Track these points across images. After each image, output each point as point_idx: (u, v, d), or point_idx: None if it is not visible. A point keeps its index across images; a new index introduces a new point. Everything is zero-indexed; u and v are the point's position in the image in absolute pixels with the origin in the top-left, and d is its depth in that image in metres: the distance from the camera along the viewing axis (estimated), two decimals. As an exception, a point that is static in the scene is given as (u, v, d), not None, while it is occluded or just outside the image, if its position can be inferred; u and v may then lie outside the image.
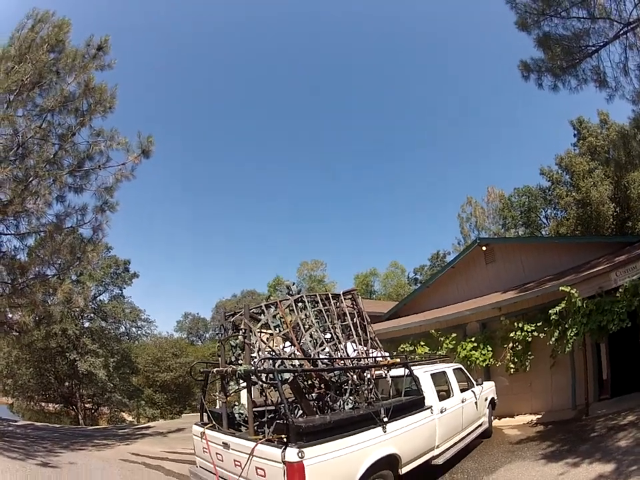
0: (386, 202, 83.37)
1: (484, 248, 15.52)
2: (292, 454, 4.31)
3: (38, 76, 11.22)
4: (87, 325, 29.05)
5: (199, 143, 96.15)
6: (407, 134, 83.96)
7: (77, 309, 22.55)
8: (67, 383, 29.19)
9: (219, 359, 6.60)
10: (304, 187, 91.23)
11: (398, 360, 7.18)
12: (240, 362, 6.17)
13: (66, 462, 9.59)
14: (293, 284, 7.14)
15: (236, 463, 5.09)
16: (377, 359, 7.03)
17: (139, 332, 35.94)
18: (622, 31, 10.44)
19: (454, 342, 12.99)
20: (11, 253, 12.40)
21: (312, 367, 5.99)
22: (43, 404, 30.13)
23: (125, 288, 33.83)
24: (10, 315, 12.22)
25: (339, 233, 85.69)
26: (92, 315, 29.35)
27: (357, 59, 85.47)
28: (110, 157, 12.95)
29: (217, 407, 6.37)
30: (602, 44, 10.77)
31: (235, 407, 6.50)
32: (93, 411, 31.18)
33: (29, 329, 12.12)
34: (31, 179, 11.45)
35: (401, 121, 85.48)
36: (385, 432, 5.52)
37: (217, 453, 5.57)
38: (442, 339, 13.25)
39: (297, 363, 5.70)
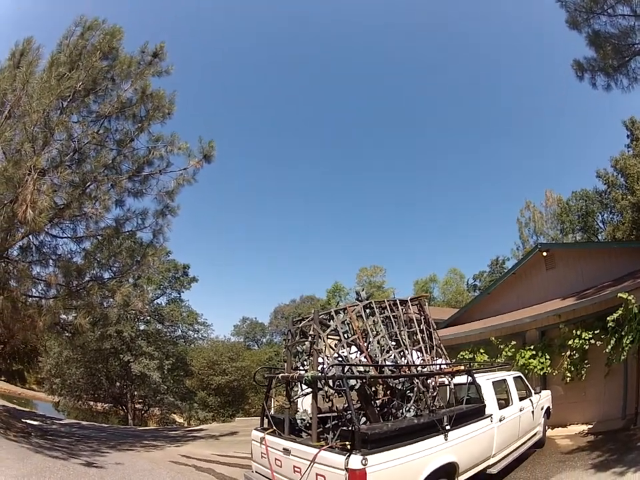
0: (445, 206, 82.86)
1: (544, 254, 15.03)
2: (355, 461, 4.32)
3: (92, 82, 11.40)
4: (142, 327, 29.72)
5: (267, 147, 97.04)
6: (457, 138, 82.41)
7: (134, 312, 23.04)
8: (118, 384, 29.90)
9: (284, 364, 6.65)
10: (362, 192, 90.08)
11: (462, 367, 7.17)
12: (306, 368, 6.16)
13: (112, 462, 9.51)
14: (363, 290, 7.25)
15: (295, 469, 5.08)
16: (442, 366, 6.98)
17: (195, 335, 36.47)
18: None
19: (513, 350, 12.70)
20: (67, 256, 12.64)
21: (379, 374, 5.92)
22: (92, 403, 30.75)
23: (183, 292, 34.81)
24: (64, 316, 12.51)
25: (398, 239, 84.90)
26: (148, 317, 29.90)
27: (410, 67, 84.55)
28: (170, 161, 13.14)
29: (271, 412, 6.24)
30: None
31: (297, 412, 6.39)
32: (143, 411, 31.78)
33: (83, 330, 12.19)
34: (88, 183, 11.67)
35: (451, 124, 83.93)
36: (446, 440, 5.45)
37: (275, 459, 5.53)
38: (501, 346, 12.96)
39: (362, 369, 5.63)
